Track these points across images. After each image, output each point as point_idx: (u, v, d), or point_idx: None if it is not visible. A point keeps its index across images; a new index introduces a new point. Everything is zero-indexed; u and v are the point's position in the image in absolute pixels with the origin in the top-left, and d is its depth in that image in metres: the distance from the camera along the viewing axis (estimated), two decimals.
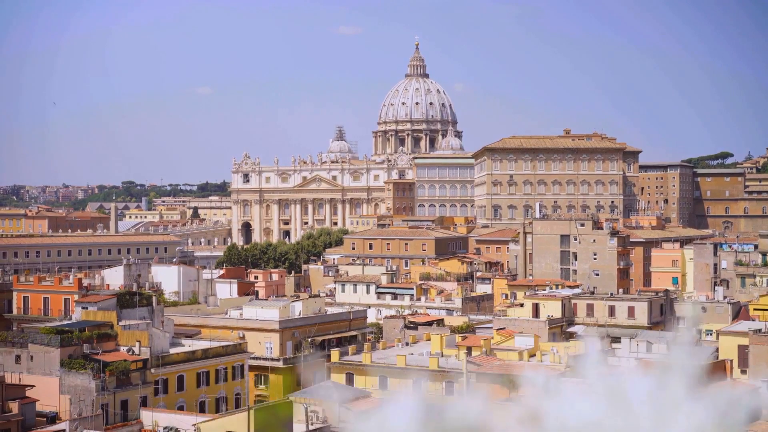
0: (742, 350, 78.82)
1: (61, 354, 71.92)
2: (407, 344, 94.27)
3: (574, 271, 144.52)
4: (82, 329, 76.14)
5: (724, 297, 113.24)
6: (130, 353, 75.60)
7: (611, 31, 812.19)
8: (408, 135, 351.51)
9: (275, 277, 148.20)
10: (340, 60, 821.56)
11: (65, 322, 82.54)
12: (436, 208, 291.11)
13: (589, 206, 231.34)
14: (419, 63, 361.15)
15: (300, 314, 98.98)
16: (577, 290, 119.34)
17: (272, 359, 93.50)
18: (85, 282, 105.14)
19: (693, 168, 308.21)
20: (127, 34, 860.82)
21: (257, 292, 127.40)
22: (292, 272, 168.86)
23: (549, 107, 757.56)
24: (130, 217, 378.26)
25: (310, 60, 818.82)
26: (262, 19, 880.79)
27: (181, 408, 76.66)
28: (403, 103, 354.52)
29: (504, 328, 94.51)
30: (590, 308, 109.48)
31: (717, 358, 79.99)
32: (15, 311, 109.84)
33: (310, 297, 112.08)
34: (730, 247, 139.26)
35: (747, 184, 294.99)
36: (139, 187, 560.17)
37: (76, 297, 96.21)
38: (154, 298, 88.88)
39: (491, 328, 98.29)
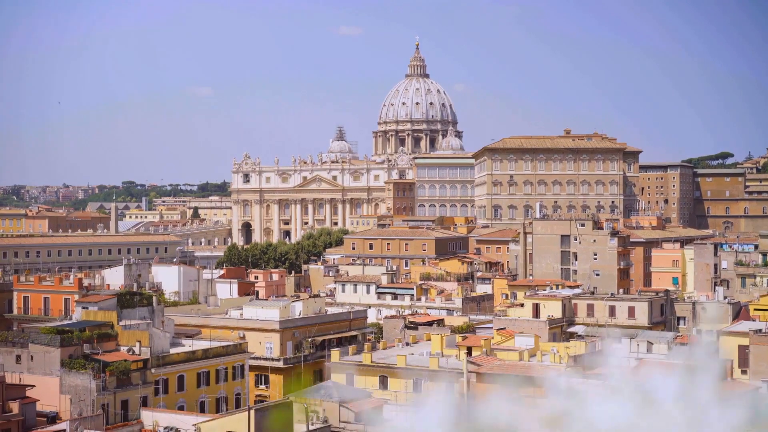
0: (743, 350, 78.77)
1: (62, 354, 71.91)
2: (407, 344, 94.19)
3: (575, 272, 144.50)
4: (83, 329, 76.13)
5: (725, 297, 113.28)
6: (130, 353, 75.59)
7: (611, 31, 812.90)
8: (408, 135, 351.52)
9: (275, 277, 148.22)
10: (340, 60, 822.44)
11: (65, 322, 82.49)
12: (436, 208, 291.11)
13: (589, 206, 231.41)
14: (419, 63, 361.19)
15: (300, 314, 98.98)
16: (577, 290, 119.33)
17: (272, 359, 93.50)
18: (86, 282, 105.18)
19: (693, 168, 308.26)
20: (127, 34, 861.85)
21: (257, 292, 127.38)
22: (293, 272, 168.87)
23: (549, 107, 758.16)
24: (131, 217, 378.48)
25: (311, 60, 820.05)
26: (262, 19, 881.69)
27: (181, 408, 76.65)
28: (404, 103, 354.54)
29: (504, 328, 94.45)
30: (590, 308, 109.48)
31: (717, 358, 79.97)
32: (15, 311, 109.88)
33: (310, 297, 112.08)
34: (731, 247, 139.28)
35: (747, 184, 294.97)
36: (139, 187, 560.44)
37: (76, 297, 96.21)
38: (154, 298, 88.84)
39: (491, 328, 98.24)
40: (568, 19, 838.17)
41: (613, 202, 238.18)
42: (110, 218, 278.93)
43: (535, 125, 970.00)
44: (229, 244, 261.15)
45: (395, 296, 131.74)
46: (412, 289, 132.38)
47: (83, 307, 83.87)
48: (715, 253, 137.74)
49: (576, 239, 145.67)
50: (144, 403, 72.21)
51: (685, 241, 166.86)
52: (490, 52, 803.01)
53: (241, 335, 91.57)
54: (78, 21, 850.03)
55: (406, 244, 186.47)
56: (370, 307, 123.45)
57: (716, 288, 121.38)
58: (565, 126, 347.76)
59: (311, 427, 63.81)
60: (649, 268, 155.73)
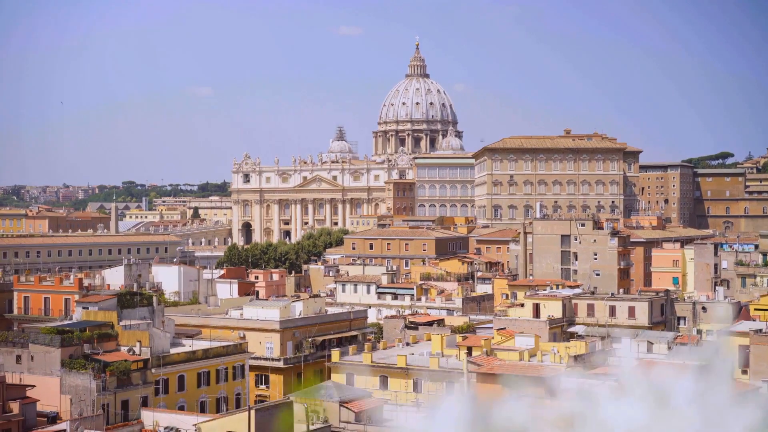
0: (743, 350, 78.74)
1: (62, 354, 71.92)
2: (408, 344, 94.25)
3: (575, 271, 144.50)
4: (83, 329, 76.14)
5: (725, 297, 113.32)
6: (130, 353, 75.59)
7: (611, 32, 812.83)
8: (408, 135, 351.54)
9: (276, 277, 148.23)
10: (340, 60, 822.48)
11: (66, 322, 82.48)
12: (436, 208, 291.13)
13: (589, 206, 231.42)
14: (419, 63, 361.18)
15: (300, 314, 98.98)
16: (577, 290, 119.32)
17: (273, 359, 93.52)
18: (86, 282, 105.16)
19: (693, 168, 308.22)
20: (127, 34, 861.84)
21: (258, 292, 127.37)
22: (293, 272, 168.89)
23: (549, 107, 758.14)
24: (131, 217, 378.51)
25: (311, 60, 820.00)
26: (262, 19, 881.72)
27: (181, 408, 76.66)
28: (404, 103, 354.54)
29: (504, 328, 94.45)
30: (591, 308, 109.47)
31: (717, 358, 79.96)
32: (16, 311, 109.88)
33: (310, 297, 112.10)
34: (731, 247, 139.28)
35: (747, 184, 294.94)
36: (139, 187, 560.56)
37: (76, 297, 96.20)
38: (154, 298, 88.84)
39: (492, 328, 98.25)
40: (568, 19, 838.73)
41: (613, 202, 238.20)
42: (110, 218, 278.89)
43: (535, 125, 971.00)
44: (230, 244, 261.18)
45: (395, 296, 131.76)
46: (413, 289, 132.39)
47: (83, 307, 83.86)
48: (716, 253, 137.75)
49: (576, 239, 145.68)
50: (144, 403, 72.22)
51: (685, 241, 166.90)
52: (490, 52, 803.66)
53: (242, 335, 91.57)
54: (78, 21, 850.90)
55: (407, 244, 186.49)
56: (370, 307, 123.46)
57: (716, 288, 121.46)
58: (565, 126, 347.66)
59: (311, 427, 63.81)
60: (649, 268, 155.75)
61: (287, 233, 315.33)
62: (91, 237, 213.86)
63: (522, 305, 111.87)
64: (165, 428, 64.66)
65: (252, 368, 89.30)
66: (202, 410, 77.92)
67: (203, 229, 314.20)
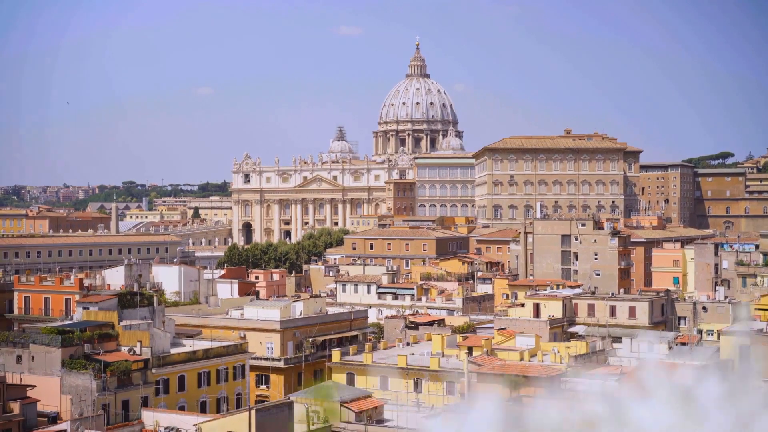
0: (744, 350, 78.69)
1: (62, 354, 71.93)
2: (408, 344, 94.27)
3: (575, 271, 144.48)
4: (83, 329, 76.14)
5: (725, 297, 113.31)
6: (131, 353, 75.59)
7: (611, 31, 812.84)
8: (408, 135, 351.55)
9: (276, 277, 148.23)
10: (340, 60, 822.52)
11: (66, 322, 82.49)
12: (436, 208, 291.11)
13: (589, 206, 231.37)
14: (420, 63, 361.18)
15: (301, 314, 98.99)
16: (578, 290, 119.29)
17: (273, 359, 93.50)
18: (86, 282, 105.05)
19: (694, 168, 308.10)
20: (127, 34, 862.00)
21: (258, 292, 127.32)
22: (293, 272, 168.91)
23: (549, 107, 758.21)
24: (131, 217, 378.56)
25: (311, 60, 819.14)
26: (262, 19, 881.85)
27: (182, 408, 76.66)
28: (404, 103, 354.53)
29: (505, 328, 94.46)
30: (591, 308, 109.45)
31: (718, 358, 79.99)
32: (16, 311, 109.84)
33: (311, 297, 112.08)
34: (731, 247, 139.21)
35: (748, 183, 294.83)
36: (139, 187, 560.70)
37: (77, 297, 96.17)
38: (155, 299, 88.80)
39: (492, 328, 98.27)
40: (568, 19, 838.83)
41: (613, 201, 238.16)
42: (111, 218, 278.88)
43: (536, 125, 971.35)
44: (230, 244, 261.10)
45: (396, 296, 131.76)
46: (413, 289, 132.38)
47: (84, 308, 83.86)
48: (716, 253, 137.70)
49: (576, 239, 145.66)
50: (145, 403, 72.23)
51: (685, 241, 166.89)
52: (490, 52, 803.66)
53: (242, 335, 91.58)
54: (78, 21, 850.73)
55: (407, 244, 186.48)
56: (370, 307, 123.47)
57: (717, 288, 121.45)
58: (565, 126, 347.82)
59: (312, 428, 63.81)
60: (649, 267, 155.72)
61: (287, 233, 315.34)
62: (92, 237, 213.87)
63: (522, 305, 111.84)
64: (165, 428, 64.66)
65: (252, 368, 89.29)
66: (203, 410, 77.93)
67: (204, 229, 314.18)
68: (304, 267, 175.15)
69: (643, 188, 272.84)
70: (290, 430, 60.52)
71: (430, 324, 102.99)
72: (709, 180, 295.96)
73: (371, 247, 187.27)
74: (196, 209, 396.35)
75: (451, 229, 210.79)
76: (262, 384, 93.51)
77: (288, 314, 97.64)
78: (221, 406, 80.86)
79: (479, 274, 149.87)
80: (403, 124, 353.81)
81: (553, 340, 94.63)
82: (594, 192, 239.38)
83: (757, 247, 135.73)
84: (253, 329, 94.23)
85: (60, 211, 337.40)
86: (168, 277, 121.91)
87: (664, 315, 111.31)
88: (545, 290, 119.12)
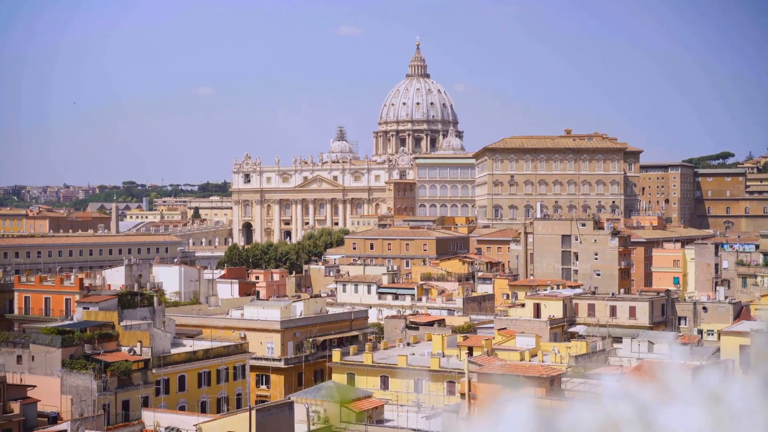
0: (744, 350, 78.65)
1: (63, 354, 71.94)
2: (408, 344, 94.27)
3: (576, 271, 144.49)
4: (84, 329, 76.16)
5: (726, 297, 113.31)
6: (131, 353, 75.60)
7: (611, 31, 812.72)
8: (409, 135, 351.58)
9: (276, 277, 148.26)
10: (340, 60, 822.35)
11: (66, 322, 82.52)
12: (437, 208, 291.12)
13: (590, 206, 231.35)
14: (420, 63, 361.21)
15: (301, 314, 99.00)
16: (578, 290, 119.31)
17: (273, 359, 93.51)
18: (87, 282, 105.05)
19: (694, 168, 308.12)
20: (127, 34, 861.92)
21: (258, 292, 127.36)
22: (293, 272, 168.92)
23: (550, 107, 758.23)
24: (131, 217, 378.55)
25: (311, 60, 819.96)
26: (262, 19, 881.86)
27: (182, 408, 76.66)
28: (404, 103, 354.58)
29: (505, 328, 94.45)
30: (591, 308, 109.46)
31: (719, 358, 79.95)
32: (16, 311, 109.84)
33: (311, 297, 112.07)
34: (732, 247, 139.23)
35: (748, 184, 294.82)
36: (140, 188, 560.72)
37: (77, 297, 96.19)
38: (155, 299, 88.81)
39: (492, 328, 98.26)
40: (568, 19, 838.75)
41: (613, 202, 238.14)
42: (111, 218, 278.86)
43: (536, 125, 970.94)
44: (230, 244, 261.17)
45: (396, 296, 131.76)
46: (413, 289, 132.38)
47: (84, 308, 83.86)
48: (716, 253, 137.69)
49: (577, 239, 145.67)
50: (145, 403, 72.23)
51: (685, 241, 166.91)
52: (490, 52, 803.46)
53: (242, 335, 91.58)
54: (78, 21, 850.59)
55: (407, 244, 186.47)
56: (371, 307, 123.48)
57: (717, 288, 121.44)
58: (565, 126, 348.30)
59: (312, 428, 63.82)
60: (650, 268, 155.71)
61: (288, 233, 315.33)
62: (92, 237, 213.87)
63: (523, 305, 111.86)
64: (166, 428, 64.66)
65: (253, 368, 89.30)
66: (203, 410, 77.93)
67: (204, 229, 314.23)
68: (305, 267, 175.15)
69: (644, 188, 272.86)
70: (290, 431, 60.40)
71: (430, 324, 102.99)
72: (709, 180, 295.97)
73: (371, 247, 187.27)
74: (197, 209, 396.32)
75: (451, 229, 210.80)
76: (262, 384, 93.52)
77: (288, 314, 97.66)
78: (221, 407, 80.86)
79: (479, 274, 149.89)
80: (403, 124, 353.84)
81: (553, 340, 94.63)
82: (594, 192, 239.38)
83: (757, 247, 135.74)
84: (254, 329, 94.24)
85: (60, 211, 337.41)
86: (168, 277, 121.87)
87: (665, 315, 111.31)
88: (545, 290, 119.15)
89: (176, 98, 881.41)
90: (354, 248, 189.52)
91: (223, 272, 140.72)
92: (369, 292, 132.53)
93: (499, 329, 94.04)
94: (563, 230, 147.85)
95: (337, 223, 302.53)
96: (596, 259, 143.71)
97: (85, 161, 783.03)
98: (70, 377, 70.83)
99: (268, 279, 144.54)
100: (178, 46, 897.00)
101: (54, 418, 66.84)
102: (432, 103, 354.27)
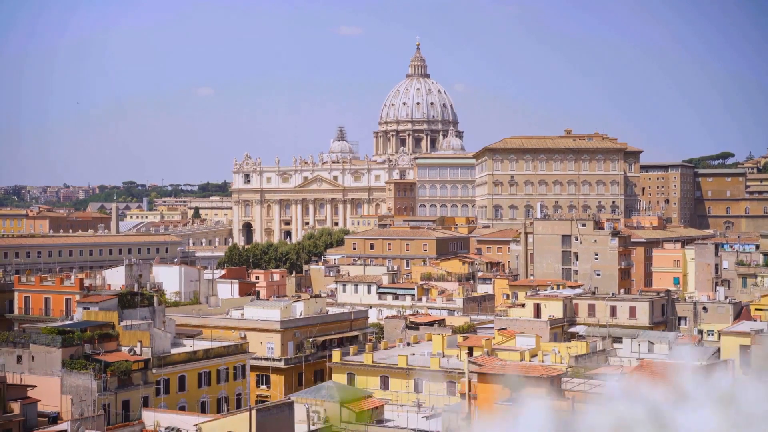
0: (744, 350, 78.65)
1: (63, 354, 71.93)
2: (408, 344, 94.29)
3: (576, 272, 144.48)
4: (84, 329, 76.15)
5: (726, 297, 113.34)
6: (131, 353, 75.59)
7: (611, 31, 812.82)
8: (409, 135, 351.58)
9: (276, 277, 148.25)
10: (340, 60, 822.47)
11: (67, 322, 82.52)
12: (437, 208, 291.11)
13: (590, 206, 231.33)
14: (420, 63, 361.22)
15: (301, 314, 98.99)
16: (578, 290, 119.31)
17: (274, 359, 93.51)
18: (87, 282, 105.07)
19: (694, 168, 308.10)
20: (127, 34, 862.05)
21: (258, 292, 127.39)
22: (294, 272, 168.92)
23: (550, 107, 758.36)
24: (131, 217, 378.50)
25: (311, 60, 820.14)
26: (262, 19, 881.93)
27: (182, 408, 76.65)
28: (404, 104, 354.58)
29: (505, 329, 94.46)
30: (592, 308, 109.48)
31: (719, 358, 79.92)
32: (16, 311, 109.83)
33: (311, 297, 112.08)
34: (732, 247, 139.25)
35: (748, 184, 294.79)
36: (140, 188, 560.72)
37: (77, 297, 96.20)
38: (155, 299, 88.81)
39: (493, 328, 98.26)
40: (568, 19, 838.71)
41: (614, 202, 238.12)
42: (111, 218, 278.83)
43: (536, 125, 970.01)
44: (230, 244, 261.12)
45: (396, 296, 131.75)
46: (413, 289, 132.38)
47: (84, 308, 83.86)
48: (716, 253, 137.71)
49: (577, 239, 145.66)
50: (145, 403, 72.22)
51: (686, 241, 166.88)
52: (490, 52, 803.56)
53: (242, 335, 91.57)
54: (78, 21, 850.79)
55: (407, 245, 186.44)
56: (371, 308, 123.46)
57: (717, 288, 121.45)
58: (565, 126, 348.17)
59: (312, 428, 63.81)
60: (650, 268, 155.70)
61: (288, 233, 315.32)
62: (92, 237, 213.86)
63: (523, 305, 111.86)
64: (166, 428, 64.63)
65: (253, 368, 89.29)
66: (203, 410, 77.90)
67: (204, 229, 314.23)
68: (305, 267, 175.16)
69: (644, 188, 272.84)
70: (290, 431, 60.40)
71: (430, 324, 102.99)
72: (709, 180, 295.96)
73: (372, 248, 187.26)
74: (197, 209, 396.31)
75: (451, 230, 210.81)
76: (262, 384, 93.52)
77: (288, 314, 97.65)
78: (222, 407, 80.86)
79: (480, 274, 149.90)
80: (403, 124, 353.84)
81: (553, 341, 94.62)
82: (594, 192, 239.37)
83: (757, 247, 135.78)
84: (254, 329, 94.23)
85: (60, 211, 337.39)
86: (168, 277, 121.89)
87: (665, 315, 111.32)
88: (546, 290, 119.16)
89: (176, 98, 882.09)
90: (354, 248, 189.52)
91: (223, 272, 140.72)
92: (369, 292, 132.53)
93: (500, 329, 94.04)
94: (563, 230, 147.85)
95: (337, 223, 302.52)
96: (596, 259, 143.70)
97: (85, 161, 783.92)
98: (70, 377, 70.84)
99: (268, 279, 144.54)
100: (178, 46, 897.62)
101: (54, 418, 66.83)
102: (432, 103, 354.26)
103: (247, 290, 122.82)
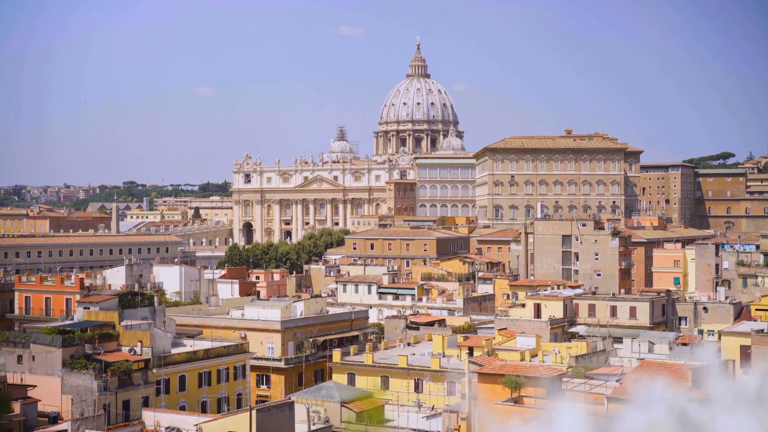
0: (745, 351, 78.62)
1: (63, 354, 71.93)
2: (409, 344, 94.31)
3: (576, 272, 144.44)
4: (84, 329, 76.14)
5: (726, 297, 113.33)
6: (131, 353, 75.57)
7: (611, 31, 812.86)
8: (409, 135, 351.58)
9: (277, 277, 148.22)
10: (341, 60, 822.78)
11: (67, 322, 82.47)
12: (437, 208, 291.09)
13: (590, 206, 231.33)
14: (420, 63, 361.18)
15: (301, 314, 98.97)
16: (578, 290, 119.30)
17: (274, 359, 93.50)
18: (87, 282, 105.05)
19: (694, 168, 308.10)
20: (127, 34, 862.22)
21: (259, 292, 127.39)
22: (294, 272, 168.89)
23: (550, 107, 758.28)
24: (132, 217, 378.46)
25: (311, 60, 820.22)
26: (262, 19, 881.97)
27: (182, 408, 76.63)
28: (405, 103, 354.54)
29: (506, 329, 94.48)
30: (592, 308, 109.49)
31: (719, 358, 79.85)
32: (17, 311, 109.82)
33: (311, 297, 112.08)
34: (732, 247, 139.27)
35: (748, 184, 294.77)
36: (140, 187, 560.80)
37: (77, 297, 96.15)
38: (155, 299, 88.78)
39: (493, 328, 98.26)
40: (569, 19, 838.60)
41: (614, 202, 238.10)
42: (111, 218, 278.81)
43: (536, 125, 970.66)
44: (231, 244, 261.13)
45: (396, 296, 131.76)
46: (414, 289, 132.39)
47: (85, 308, 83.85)
48: (717, 254, 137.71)
49: (577, 239, 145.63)
50: (145, 403, 72.21)
51: (686, 242, 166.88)
52: (490, 52, 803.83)
53: (243, 335, 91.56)
54: (78, 21, 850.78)
55: (408, 245, 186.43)
56: (371, 308, 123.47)
57: (718, 288, 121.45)
58: (566, 126, 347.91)
59: (313, 428, 63.80)
60: (650, 268, 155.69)
61: (288, 233, 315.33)
62: (92, 237, 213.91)
63: (523, 305, 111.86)
64: (166, 428, 64.61)
65: (253, 368, 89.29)
66: (204, 410, 77.87)
67: (204, 229, 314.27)
68: (305, 267, 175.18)
69: (644, 188, 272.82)
70: (291, 431, 60.43)
71: (430, 324, 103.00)
72: (709, 180, 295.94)
73: (372, 248, 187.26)
74: (197, 209, 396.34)
75: (451, 230, 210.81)
76: (262, 384, 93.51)
77: (289, 314, 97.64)
78: (222, 406, 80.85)
79: (480, 274, 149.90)
80: (403, 124, 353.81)
81: (553, 341, 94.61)
82: (595, 192, 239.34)
83: (757, 247, 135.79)
84: (254, 329, 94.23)
85: (60, 211, 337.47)
86: (169, 277, 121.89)
87: (665, 315, 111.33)
88: (546, 290, 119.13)
89: (176, 98, 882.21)
90: (354, 248, 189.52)
91: (223, 272, 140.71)
92: (369, 292, 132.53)
93: (500, 329, 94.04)
94: (564, 230, 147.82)
95: (337, 223, 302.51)
96: (597, 259, 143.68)
97: (85, 161, 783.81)
98: (70, 377, 70.84)
99: (269, 279, 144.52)
100: (178, 46, 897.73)
101: (54, 418, 66.84)
102: (432, 103, 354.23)
103: (248, 290, 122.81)
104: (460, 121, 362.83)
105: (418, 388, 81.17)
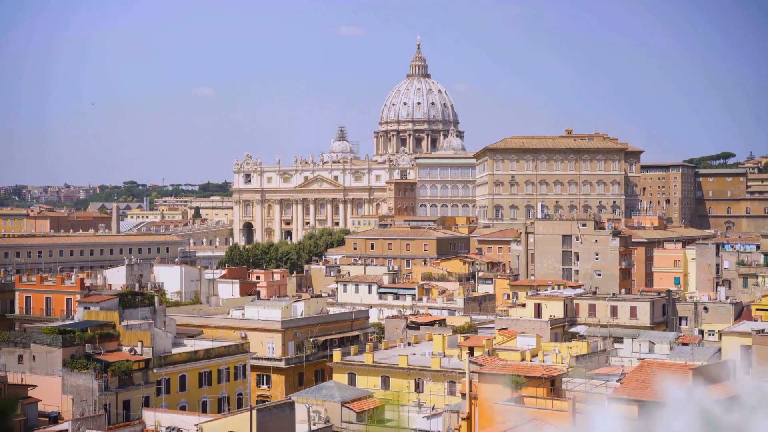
0: (745, 351, 78.55)
1: (64, 354, 71.95)
2: (409, 344, 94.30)
3: (576, 272, 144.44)
4: (85, 329, 76.15)
5: (727, 297, 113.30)
6: (132, 353, 75.59)
7: (612, 31, 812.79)
8: (409, 135, 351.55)
9: (277, 277, 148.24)
10: (341, 60, 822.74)
11: (67, 322, 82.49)
12: (437, 208, 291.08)
13: (591, 206, 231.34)
14: (421, 63, 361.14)
15: (302, 314, 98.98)
16: (579, 290, 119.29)
17: (274, 359, 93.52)
18: (87, 282, 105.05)
19: (695, 168, 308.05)
20: (127, 34, 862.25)
21: (259, 292, 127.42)
22: (294, 272, 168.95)
23: (550, 107, 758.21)
24: (132, 217, 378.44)
25: (311, 60, 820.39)
26: (262, 18, 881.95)
27: (183, 408, 76.63)
28: (405, 103, 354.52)
29: (506, 329, 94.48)
30: (592, 308, 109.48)
31: (720, 358, 79.87)
32: (17, 311, 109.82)
33: (312, 297, 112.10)
34: (732, 247, 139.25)
35: (749, 184, 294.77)
36: (140, 187, 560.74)
37: (78, 297, 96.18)
38: (156, 298, 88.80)
39: (493, 328, 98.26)
40: (568, 19, 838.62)
41: (614, 202, 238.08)
42: (112, 218, 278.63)
43: (537, 125, 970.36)
44: (231, 244, 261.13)
45: (397, 296, 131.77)
46: (414, 289, 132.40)
47: (85, 307, 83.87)
48: (717, 253, 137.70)
49: (578, 239, 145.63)
50: (146, 403, 72.24)
51: (686, 241, 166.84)
52: (491, 52, 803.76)
53: (243, 335, 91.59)
54: (78, 21, 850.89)
55: (408, 244, 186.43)
56: (371, 307, 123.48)
57: (718, 288, 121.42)
58: (566, 126, 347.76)
59: (313, 428, 63.81)
60: (650, 268, 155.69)
61: (288, 233, 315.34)
62: (93, 237, 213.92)
63: (523, 305, 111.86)
64: (167, 428, 64.62)
65: (253, 368, 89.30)
66: (204, 410, 77.88)
67: (204, 229, 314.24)
68: (305, 267, 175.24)
69: (644, 188, 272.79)
70: (291, 431, 60.43)
71: (431, 324, 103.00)
72: (710, 180, 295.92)
73: (372, 247, 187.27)
74: (197, 209, 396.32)
75: (452, 229, 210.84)
76: (263, 384, 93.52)
77: (289, 314, 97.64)
78: (222, 406, 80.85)
79: (480, 274, 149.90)
80: (404, 124, 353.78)
81: (554, 341, 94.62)
82: (595, 192, 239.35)
83: (758, 247, 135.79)
84: (254, 329, 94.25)
85: (61, 211, 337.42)
86: (169, 277, 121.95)
87: (665, 315, 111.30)
88: (546, 290, 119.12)
89: (176, 98, 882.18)
90: (355, 248, 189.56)
91: (223, 272, 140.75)
92: (370, 292, 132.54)
93: (500, 329, 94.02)
94: (564, 230, 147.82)
95: (337, 223, 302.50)
96: (597, 259, 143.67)
97: (85, 161, 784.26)
98: (70, 377, 70.85)
99: (269, 279, 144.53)
100: (178, 46, 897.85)
101: (55, 418, 66.83)
102: (433, 103, 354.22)
103: (248, 290, 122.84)
104: (460, 121, 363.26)
105: (418, 388, 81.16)
